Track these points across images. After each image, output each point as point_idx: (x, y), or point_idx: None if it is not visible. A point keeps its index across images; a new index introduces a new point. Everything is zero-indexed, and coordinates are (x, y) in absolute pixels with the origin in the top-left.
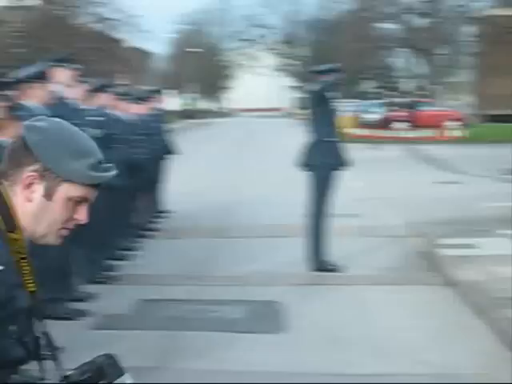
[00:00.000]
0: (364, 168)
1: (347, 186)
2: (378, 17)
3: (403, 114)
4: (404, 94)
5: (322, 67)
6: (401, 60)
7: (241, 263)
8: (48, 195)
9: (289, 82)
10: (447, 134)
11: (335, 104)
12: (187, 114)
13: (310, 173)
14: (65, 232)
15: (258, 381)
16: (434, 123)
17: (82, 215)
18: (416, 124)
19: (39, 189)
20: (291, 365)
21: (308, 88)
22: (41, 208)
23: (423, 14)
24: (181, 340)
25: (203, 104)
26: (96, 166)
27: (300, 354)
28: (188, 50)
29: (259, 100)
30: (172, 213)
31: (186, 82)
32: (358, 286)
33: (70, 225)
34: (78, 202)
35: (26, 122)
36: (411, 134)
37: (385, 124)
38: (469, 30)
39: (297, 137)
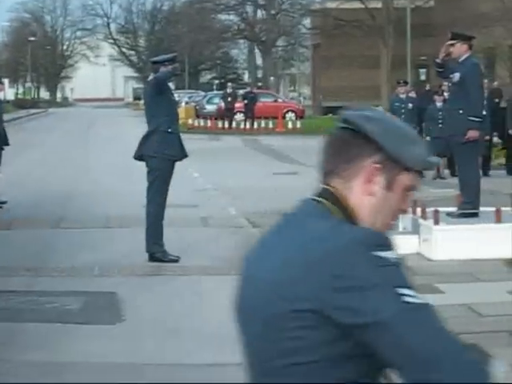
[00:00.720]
0: (203, 159)
1: (186, 176)
2: (217, 8)
3: (242, 105)
4: (243, 85)
5: (161, 57)
6: (240, 51)
7: (78, 254)
8: (388, 186)
9: (128, 71)
10: (285, 125)
11: (174, 94)
12: (23, 104)
13: (148, 163)
14: (394, 223)
15: (96, 371)
16: (272, 114)
17: (407, 204)
18: (255, 115)
19: (380, 180)
20: (129, 355)
21: (148, 79)
22: (381, 200)
23: (262, 6)
24: (17, 332)
25: (42, 94)
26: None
27: (137, 344)
28: (25, 38)
29: (100, 90)
30: (5, 203)
31: (22, 71)
32: (195, 276)
33: (398, 215)
34: (407, 190)
35: (356, 113)
36: (250, 125)
37: (224, 115)
38: (306, 23)
39: (136, 127)
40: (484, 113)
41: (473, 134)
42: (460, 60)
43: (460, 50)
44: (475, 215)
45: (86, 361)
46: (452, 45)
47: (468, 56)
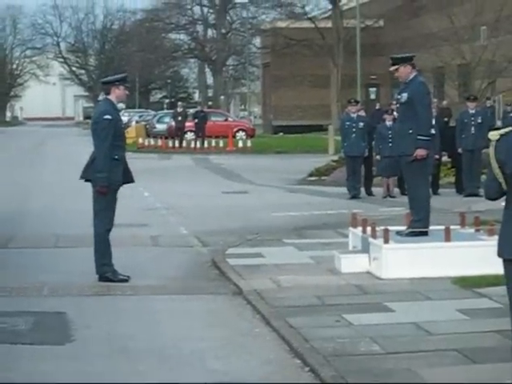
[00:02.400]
0: (153, 178)
1: (136, 195)
2: (167, 27)
3: (193, 124)
4: (194, 104)
5: (112, 78)
6: (191, 70)
7: (27, 274)
8: None
9: (78, 90)
10: (235, 144)
11: (121, 119)
12: None
13: (93, 185)
14: None
15: None
16: (223, 133)
17: None
18: (205, 134)
19: None
20: (79, 376)
21: (98, 98)
22: None
23: (212, 25)
24: None
25: None
26: None
27: (86, 365)
28: None
29: (50, 109)
30: None
31: None
32: (145, 296)
33: None
34: None
35: None
36: (200, 144)
37: (174, 134)
38: (257, 42)
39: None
40: (433, 132)
41: (421, 152)
42: (407, 80)
43: (405, 72)
44: (425, 234)
45: (36, 382)
46: (396, 70)
47: (414, 76)
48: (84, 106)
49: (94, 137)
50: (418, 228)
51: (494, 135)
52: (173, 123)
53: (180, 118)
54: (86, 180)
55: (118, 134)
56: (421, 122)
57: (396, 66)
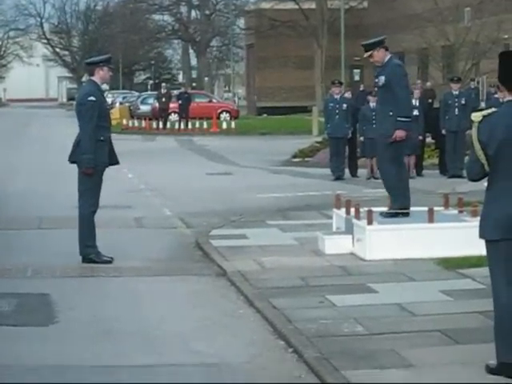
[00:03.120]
0: (137, 160)
1: (120, 177)
2: (151, 8)
3: (177, 105)
4: (178, 85)
5: (96, 59)
6: (175, 52)
7: (10, 256)
8: None
9: (62, 72)
10: (219, 125)
11: (106, 101)
12: None
13: (78, 166)
14: None
15: (29, 374)
16: (207, 115)
17: None
18: (189, 115)
19: None
20: (62, 357)
21: (82, 79)
22: None
23: (196, 7)
24: None
25: None
26: None
27: (69, 346)
28: None
29: (34, 90)
30: None
31: None
32: (129, 278)
33: None
34: None
35: None
36: (184, 126)
37: (158, 115)
38: (241, 23)
39: (70, 127)
40: (417, 113)
41: (400, 133)
42: (382, 64)
43: (379, 56)
44: (406, 215)
45: (19, 363)
46: (371, 55)
47: (389, 58)
48: (68, 88)
49: (79, 118)
50: (398, 209)
51: (476, 116)
52: (157, 104)
53: (164, 100)
54: (72, 162)
55: (102, 115)
56: (400, 104)
57: (370, 52)
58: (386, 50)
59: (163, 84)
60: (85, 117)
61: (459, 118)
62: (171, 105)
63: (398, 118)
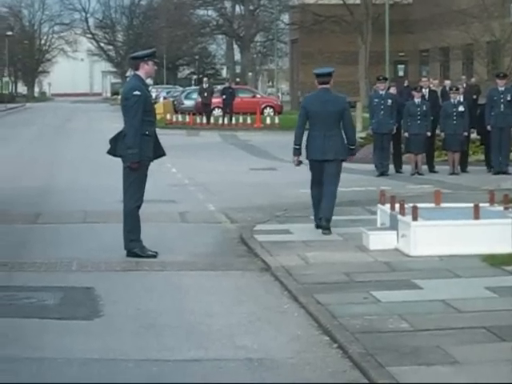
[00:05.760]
0: (181, 154)
1: (164, 171)
2: (195, 3)
3: (220, 100)
4: (222, 80)
5: (141, 53)
6: (219, 47)
7: (55, 250)
8: None
9: (106, 66)
10: (263, 120)
11: (151, 95)
12: (0, 99)
13: (123, 161)
14: None
15: (73, 367)
16: (251, 110)
17: None
18: (233, 111)
19: None
20: (107, 351)
21: (126, 74)
22: None
23: (240, 2)
24: None
25: (20, 88)
26: None
27: (114, 340)
28: (3, 33)
29: (78, 85)
30: None
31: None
32: (173, 272)
33: None
34: None
35: None
36: (228, 121)
37: (202, 110)
38: (285, 18)
39: (114, 122)
40: (462, 109)
41: None
42: None
43: None
44: None
45: (64, 357)
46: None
47: None
48: (112, 82)
49: (124, 113)
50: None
51: None
52: (199, 99)
53: (206, 94)
54: (115, 155)
55: (147, 110)
56: None
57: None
58: None
59: (205, 79)
60: (130, 111)
61: (505, 114)
62: (215, 100)
63: None
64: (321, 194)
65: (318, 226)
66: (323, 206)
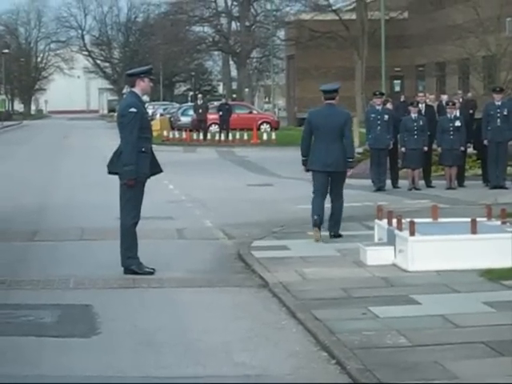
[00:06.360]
0: (178, 171)
1: (161, 188)
2: (191, 20)
3: (217, 116)
4: (218, 96)
5: (137, 70)
6: (215, 63)
7: (53, 267)
8: None
9: (103, 83)
10: (260, 136)
11: (147, 112)
12: None
13: (120, 178)
14: None
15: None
16: (247, 126)
17: None
18: (230, 127)
19: None
20: (104, 369)
21: (122, 91)
22: None
23: (236, 18)
24: None
25: (16, 106)
26: None
27: (112, 357)
28: None
29: (75, 102)
30: None
31: None
32: (170, 289)
33: None
34: None
35: None
36: (225, 137)
37: (197, 126)
38: (281, 35)
39: (111, 139)
40: (458, 124)
41: None
42: None
43: None
44: None
45: (62, 374)
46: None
47: None
48: (108, 99)
49: (121, 130)
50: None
51: None
52: (197, 116)
53: (201, 111)
54: (111, 173)
55: (144, 127)
56: None
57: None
58: None
59: (199, 95)
60: (126, 128)
61: (501, 129)
62: (211, 116)
63: None
64: (321, 201)
65: (315, 224)
66: (331, 223)
